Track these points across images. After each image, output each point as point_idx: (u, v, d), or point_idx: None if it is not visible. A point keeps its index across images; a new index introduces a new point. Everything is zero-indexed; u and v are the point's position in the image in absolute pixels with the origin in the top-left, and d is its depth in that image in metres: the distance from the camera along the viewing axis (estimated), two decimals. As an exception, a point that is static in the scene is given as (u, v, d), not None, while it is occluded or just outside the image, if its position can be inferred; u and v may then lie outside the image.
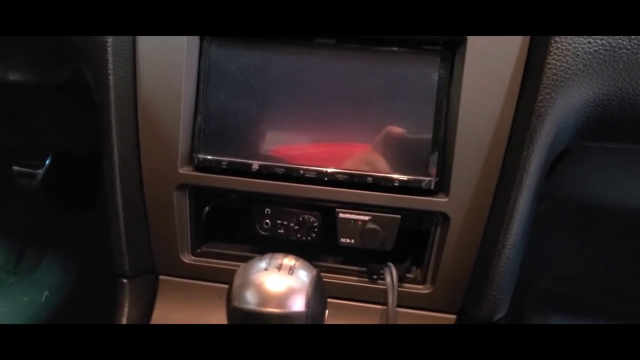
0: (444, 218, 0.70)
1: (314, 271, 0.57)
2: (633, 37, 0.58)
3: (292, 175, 0.71)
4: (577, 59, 0.59)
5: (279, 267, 0.55)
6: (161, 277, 0.81)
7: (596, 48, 0.58)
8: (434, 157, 0.69)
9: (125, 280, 0.78)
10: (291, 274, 0.55)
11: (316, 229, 0.75)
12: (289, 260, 0.56)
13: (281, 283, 0.54)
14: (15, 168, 1.19)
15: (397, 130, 0.69)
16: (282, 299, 0.53)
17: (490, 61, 0.64)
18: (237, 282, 0.55)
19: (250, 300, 0.53)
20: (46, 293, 1.31)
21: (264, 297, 0.53)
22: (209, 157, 0.72)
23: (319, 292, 0.57)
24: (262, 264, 0.56)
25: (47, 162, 1.19)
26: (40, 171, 1.19)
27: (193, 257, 0.79)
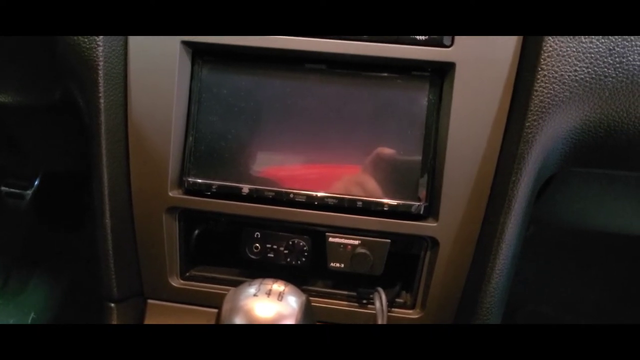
0: (434, 243, 0.70)
1: (303, 297, 0.57)
2: (618, 65, 0.59)
3: (282, 199, 0.71)
4: (563, 86, 0.60)
5: (268, 293, 0.55)
6: (149, 301, 0.80)
7: (582, 76, 0.60)
8: (423, 182, 0.69)
9: (112, 305, 0.77)
10: (280, 300, 0.55)
11: (306, 253, 0.74)
12: (278, 286, 0.57)
13: (270, 309, 0.54)
14: (3, 189, 1.18)
15: (387, 154, 0.69)
16: (271, 325, 0.53)
17: (479, 87, 0.65)
18: (226, 307, 0.55)
19: (238, 326, 0.53)
20: (33, 315, 1.29)
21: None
22: (199, 180, 0.72)
23: (308, 318, 0.56)
24: (252, 290, 0.56)
25: (36, 182, 1.18)
26: (29, 192, 1.18)
27: (182, 281, 0.78)
